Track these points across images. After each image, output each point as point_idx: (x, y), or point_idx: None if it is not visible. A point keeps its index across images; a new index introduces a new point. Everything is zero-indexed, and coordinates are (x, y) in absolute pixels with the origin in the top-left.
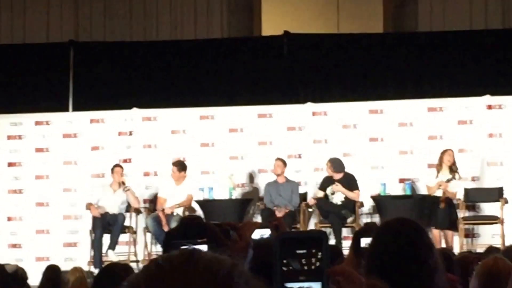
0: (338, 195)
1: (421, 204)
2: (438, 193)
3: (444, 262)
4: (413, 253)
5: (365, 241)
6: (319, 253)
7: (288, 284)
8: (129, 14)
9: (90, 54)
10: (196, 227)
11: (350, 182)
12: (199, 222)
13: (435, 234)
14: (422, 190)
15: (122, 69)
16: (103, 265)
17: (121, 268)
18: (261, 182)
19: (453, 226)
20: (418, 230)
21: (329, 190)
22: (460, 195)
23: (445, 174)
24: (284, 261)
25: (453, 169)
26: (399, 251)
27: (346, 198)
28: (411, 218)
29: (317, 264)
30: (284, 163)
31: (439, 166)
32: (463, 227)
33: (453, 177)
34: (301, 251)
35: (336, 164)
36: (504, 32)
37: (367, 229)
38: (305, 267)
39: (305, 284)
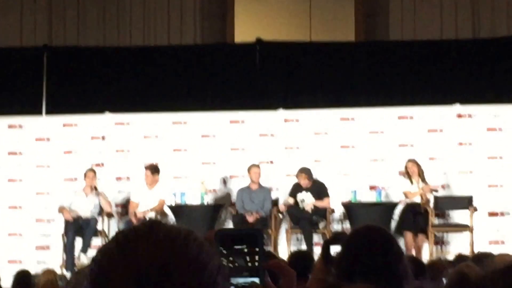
0: (308, 200)
1: (391, 212)
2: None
3: (415, 269)
4: (382, 261)
5: (334, 249)
6: (256, 250)
7: (233, 280)
8: (102, 19)
9: (63, 59)
10: None
11: (320, 190)
12: None
13: (410, 238)
14: (393, 198)
15: (95, 74)
16: (75, 268)
17: None
18: (233, 188)
19: (425, 232)
20: (387, 237)
21: (299, 197)
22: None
23: (417, 181)
24: (230, 258)
25: (417, 178)
26: (368, 258)
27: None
28: (380, 226)
29: (255, 260)
30: (260, 169)
31: (408, 175)
32: (433, 234)
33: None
34: (239, 247)
35: (310, 173)
36: (474, 42)
37: (336, 238)
38: (249, 264)
39: (248, 279)
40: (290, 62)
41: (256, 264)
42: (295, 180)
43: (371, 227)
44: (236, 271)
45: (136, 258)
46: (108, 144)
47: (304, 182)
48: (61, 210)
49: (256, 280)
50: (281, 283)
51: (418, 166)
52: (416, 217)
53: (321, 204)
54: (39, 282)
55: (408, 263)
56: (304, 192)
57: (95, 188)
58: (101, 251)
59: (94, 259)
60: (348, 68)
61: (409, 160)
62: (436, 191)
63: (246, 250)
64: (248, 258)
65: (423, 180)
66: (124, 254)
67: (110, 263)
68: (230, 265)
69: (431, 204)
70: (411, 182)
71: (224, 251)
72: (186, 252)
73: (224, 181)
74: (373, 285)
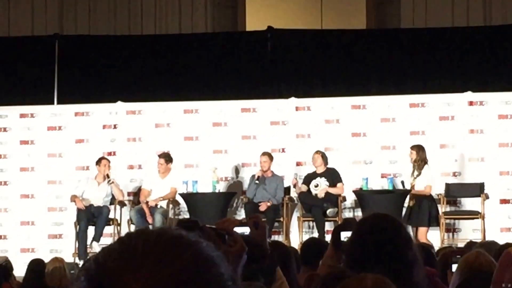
0: (322, 186)
1: (403, 199)
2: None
3: (424, 257)
4: (391, 248)
5: (344, 235)
6: None
7: None
8: (113, 7)
9: (75, 48)
10: (192, 230)
11: (333, 176)
12: (196, 225)
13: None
14: (404, 185)
15: (106, 63)
16: (87, 257)
17: None
18: (245, 176)
19: (426, 223)
20: (395, 225)
21: (313, 183)
22: (436, 190)
23: (416, 169)
24: None
25: (417, 165)
26: (377, 246)
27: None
28: (388, 214)
29: None
30: (271, 158)
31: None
32: (444, 222)
33: (418, 175)
34: None
35: (325, 156)
36: (486, 29)
37: (346, 224)
38: None
39: None
40: (301, 50)
41: None
42: (307, 168)
43: (379, 214)
44: None
45: (134, 260)
46: (120, 133)
47: (317, 162)
48: (73, 198)
49: None
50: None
51: (418, 152)
52: (411, 212)
53: (334, 190)
54: (47, 271)
55: (418, 250)
56: (318, 178)
57: (107, 177)
58: (104, 249)
59: (94, 257)
60: (360, 56)
61: (410, 146)
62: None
63: None
64: None
65: (420, 168)
66: (124, 254)
67: (108, 262)
68: None
69: (442, 192)
70: (412, 170)
71: None
72: (192, 260)
73: (236, 170)
74: (379, 274)
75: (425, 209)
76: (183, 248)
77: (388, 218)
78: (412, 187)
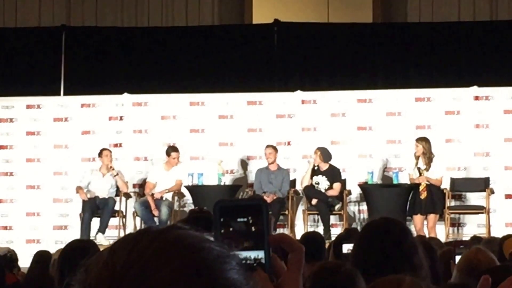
0: (322, 184)
1: (408, 193)
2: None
3: (427, 256)
4: (397, 252)
5: (347, 247)
6: (260, 221)
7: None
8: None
9: (81, 39)
10: (204, 220)
11: (334, 174)
12: (208, 215)
13: (417, 221)
14: (408, 179)
15: (113, 55)
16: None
17: (85, 244)
18: (250, 169)
19: (439, 210)
20: (402, 229)
21: (314, 180)
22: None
23: (421, 163)
24: (230, 229)
25: (426, 158)
26: (384, 249)
27: (331, 186)
28: (395, 218)
29: (259, 232)
30: (275, 150)
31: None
32: (449, 216)
33: (427, 167)
34: (242, 219)
35: (324, 153)
36: (492, 24)
37: (348, 235)
38: (247, 235)
39: (251, 253)
40: (307, 43)
41: (255, 235)
42: (312, 160)
43: (386, 219)
44: (235, 244)
45: (118, 259)
46: (126, 125)
47: (316, 160)
48: (78, 190)
49: (260, 253)
50: (289, 259)
51: (424, 146)
52: (420, 200)
53: (331, 192)
54: (53, 262)
55: (424, 255)
56: (320, 176)
57: (111, 169)
58: (111, 246)
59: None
60: (366, 49)
61: (416, 139)
62: (439, 185)
63: (250, 221)
64: (251, 230)
65: (428, 162)
66: (111, 255)
67: (97, 262)
68: (226, 236)
69: (448, 186)
70: (416, 163)
71: (223, 224)
72: (192, 263)
73: (242, 162)
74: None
75: (438, 197)
76: (177, 253)
77: (395, 222)
78: (416, 179)
